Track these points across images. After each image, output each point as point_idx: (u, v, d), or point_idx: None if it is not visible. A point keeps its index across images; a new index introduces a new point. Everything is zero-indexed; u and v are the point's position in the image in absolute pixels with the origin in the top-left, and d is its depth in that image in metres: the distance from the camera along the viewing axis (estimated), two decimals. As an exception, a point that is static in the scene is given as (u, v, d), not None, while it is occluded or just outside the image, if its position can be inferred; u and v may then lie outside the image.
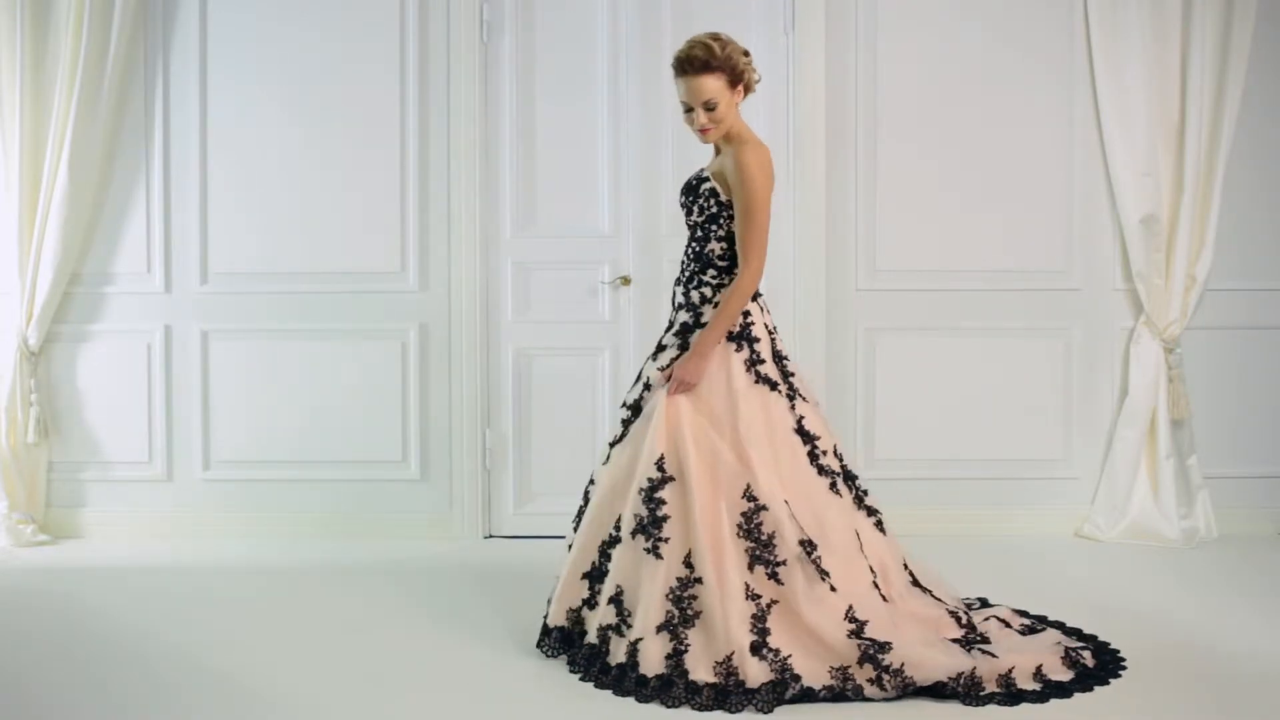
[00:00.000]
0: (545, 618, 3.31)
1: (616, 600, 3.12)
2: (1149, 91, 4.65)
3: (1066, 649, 3.16)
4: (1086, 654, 3.19)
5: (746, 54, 3.32)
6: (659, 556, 3.07)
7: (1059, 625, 3.49)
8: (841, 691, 2.96)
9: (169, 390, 4.87)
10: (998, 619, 3.39)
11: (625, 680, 3.02)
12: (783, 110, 4.79)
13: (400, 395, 4.84)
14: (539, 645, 3.30)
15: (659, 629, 3.03)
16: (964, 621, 3.21)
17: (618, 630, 3.11)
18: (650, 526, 3.10)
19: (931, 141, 4.80)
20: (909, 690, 2.95)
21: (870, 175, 4.80)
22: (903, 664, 2.96)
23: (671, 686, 2.97)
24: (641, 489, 3.13)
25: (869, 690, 2.96)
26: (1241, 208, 4.78)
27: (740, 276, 3.22)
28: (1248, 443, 4.84)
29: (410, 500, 4.84)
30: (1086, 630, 3.44)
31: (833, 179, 4.79)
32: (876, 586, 3.15)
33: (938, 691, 2.96)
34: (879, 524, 3.34)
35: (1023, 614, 3.53)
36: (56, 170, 4.70)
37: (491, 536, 4.83)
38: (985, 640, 3.17)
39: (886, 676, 2.95)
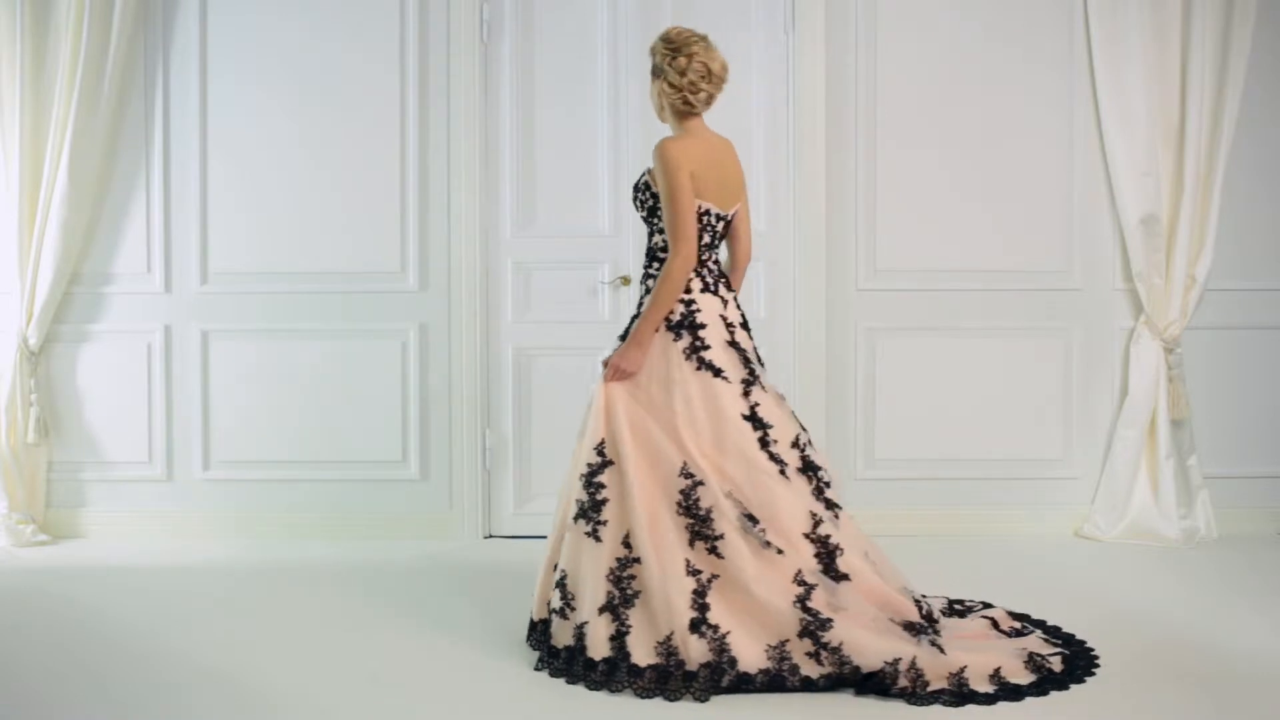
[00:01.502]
0: (531, 613, 3.39)
1: (561, 584, 3.21)
2: (1149, 91, 4.65)
3: (1031, 653, 3.11)
4: (1055, 659, 3.13)
5: (669, 46, 3.32)
6: (598, 539, 3.14)
7: (1044, 625, 3.48)
8: (778, 673, 2.98)
9: (169, 390, 4.87)
10: (989, 620, 3.40)
11: (575, 665, 3.10)
12: (783, 110, 4.80)
13: (400, 395, 4.84)
14: (528, 640, 3.38)
15: (601, 610, 3.09)
16: (923, 611, 3.18)
17: (561, 614, 3.19)
18: (590, 510, 3.17)
19: (932, 141, 4.80)
20: (846, 671, 2.97)
21: (870, 175, 4.80)
22: (841, 643, 2.98)
23: (615, 670, 3.03)
24: (582, 474, 3.22)
25: (806, 667, 2.98)
26: (1241, 208, 4.78)
27: (668, 263, 3.27)
28: (1248, 443, 4.84)
29: (410, 500, 4.84)
30: (1079, 633, 3.41)
31: (833, 179, 4.79)
32: (825, 570, 3.13)
33: (881, 686, 2.95)
34: (837, 517, 3.29)
35: (1023, 618, 3.52)
36: (56, 170, 4.70)
37: (491, 536, 4.83)
38: (936, 632, 3.12)
39: (825, 654, 2.98)
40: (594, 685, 3.04)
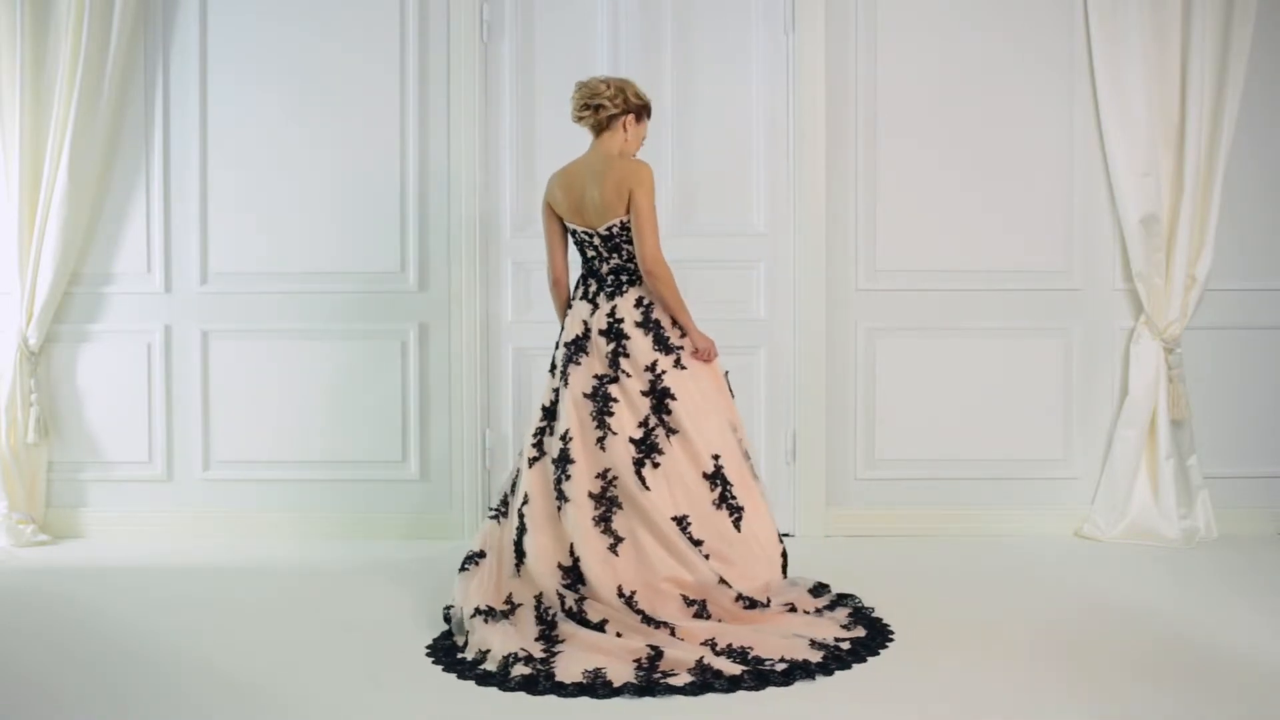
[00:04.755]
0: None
1: None
2: (1149, 91, 4.65)
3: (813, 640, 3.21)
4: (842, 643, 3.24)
5: None
6: None
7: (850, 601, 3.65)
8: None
9: (169, 390, 4.87)
10: (789, 605, 3.52)
11: None
12: (783, 110, 4.80)
13: (400, 395, 4.84)
14: None
15: None
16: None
17: None
18: None
19: (932, 141, 4.80)
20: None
21: (870, 175, 4.80)
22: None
23: None
24: None
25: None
26: (1241, 208, 4.78)
27: None
28: (1248, 443, 4.84)
29: (410, 500, 4.84)
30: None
31: (833, 179, 4.79)
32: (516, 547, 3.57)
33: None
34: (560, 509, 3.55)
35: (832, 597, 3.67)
36: (56, 170, 4.70)
37: (491, 536, 4.83)
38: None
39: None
40: None
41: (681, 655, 3.10)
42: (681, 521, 3.46)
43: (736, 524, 3.51)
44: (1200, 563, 4.36)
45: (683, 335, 3.65)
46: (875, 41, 4.79)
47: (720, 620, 3.35)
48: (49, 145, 4.71)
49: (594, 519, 3.47)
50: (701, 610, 3.36)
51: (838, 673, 3.08)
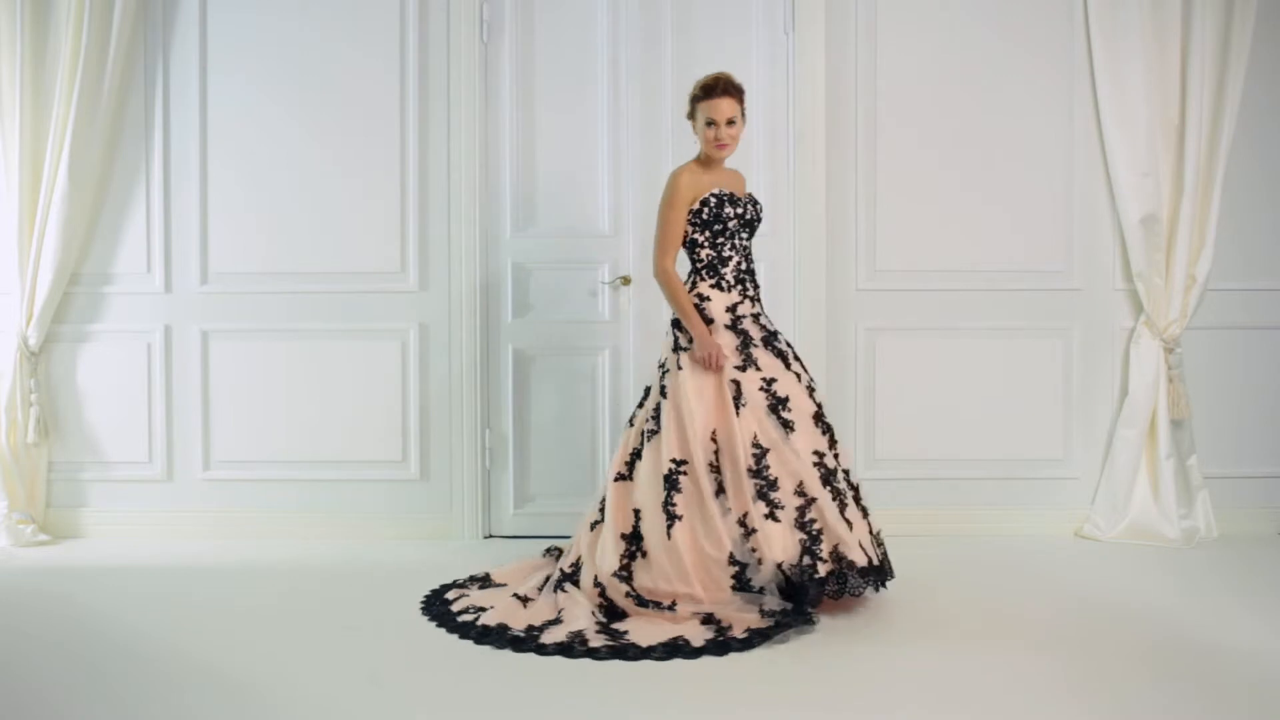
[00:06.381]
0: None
1: None
2: (1149, 91, 4.65)
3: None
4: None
5: None
6: None
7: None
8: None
9: (169, 390, 4.87)
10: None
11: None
12: (783, 110, 4.80)
13: (400, 396, 4.84)
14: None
15: None
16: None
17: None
18: None
19: (932, 141, 4.80)
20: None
21: (870, 175, 4.80)
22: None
23: None
24: None
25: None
26: (1241, 208, 4.79)
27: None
28: (1248, 443, 4.84)
29: (410, 500, 4.84)
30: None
31: (833, 179, 4.79)
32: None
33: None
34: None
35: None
36: (56, 170, 4.70)
37: (491, 536, 4.83)
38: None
39: None
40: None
41: (516, 608, 3.65)
42: (637, 515, 3.74)
43: (668, 530, 3.65)
44: (1200, 563, 4.36)
45: (690, 339, 3.83)
46: (875, 41, 4.79)
47: (618, 606, 3.62)
48: (49, 145, 4.72)
49: (601, 500, 3.89)
50: (603, 593, 3.67)
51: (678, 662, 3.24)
